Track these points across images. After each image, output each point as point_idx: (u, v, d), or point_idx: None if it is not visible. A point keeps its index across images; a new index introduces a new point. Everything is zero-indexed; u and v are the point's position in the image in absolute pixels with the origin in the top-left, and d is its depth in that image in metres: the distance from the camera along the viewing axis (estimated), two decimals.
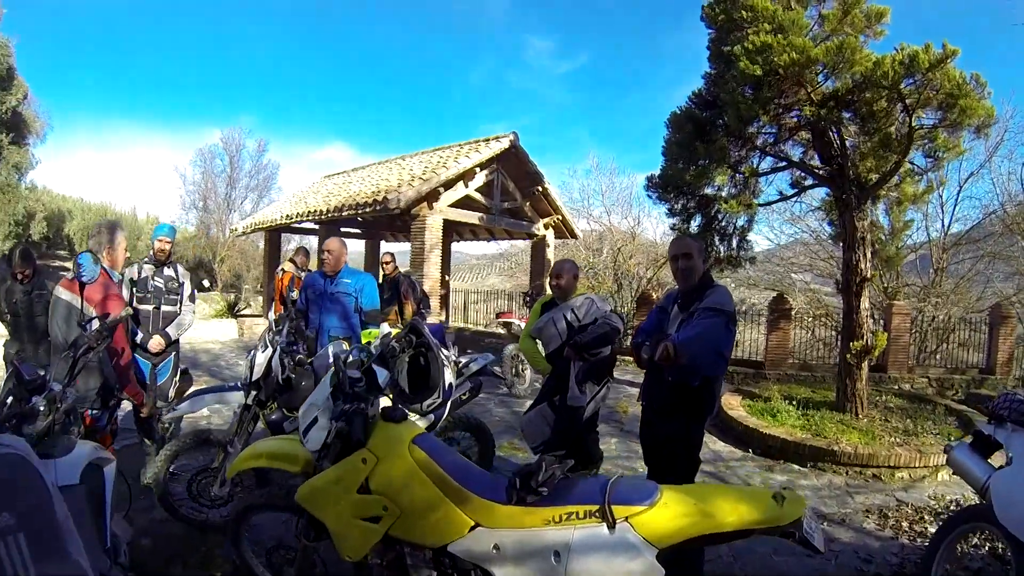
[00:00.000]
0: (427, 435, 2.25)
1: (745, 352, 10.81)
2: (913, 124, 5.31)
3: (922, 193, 7.05)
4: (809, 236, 14.03)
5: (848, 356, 6.19)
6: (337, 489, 2.14)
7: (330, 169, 16.90)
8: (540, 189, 12.39)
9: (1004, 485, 2.52)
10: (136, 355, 4.34)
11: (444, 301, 14.73)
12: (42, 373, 2.23)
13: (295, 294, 6.11)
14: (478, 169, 10.92)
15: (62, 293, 3.32)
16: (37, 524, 1.28)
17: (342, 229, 14.69)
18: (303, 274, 7.20)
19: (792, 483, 4.80)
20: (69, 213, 24.34)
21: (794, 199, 8.11)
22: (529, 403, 4.05)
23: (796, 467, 5.17)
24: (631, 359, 6.12)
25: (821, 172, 6.54)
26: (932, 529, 3.88)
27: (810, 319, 12.04)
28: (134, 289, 4.38)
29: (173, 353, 4.56)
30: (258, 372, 3.43)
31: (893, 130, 5.68)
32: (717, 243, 7.41)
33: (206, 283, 10.71)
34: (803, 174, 7.10)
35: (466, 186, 10.88)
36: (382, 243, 16.27)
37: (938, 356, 11.21)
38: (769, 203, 7.93)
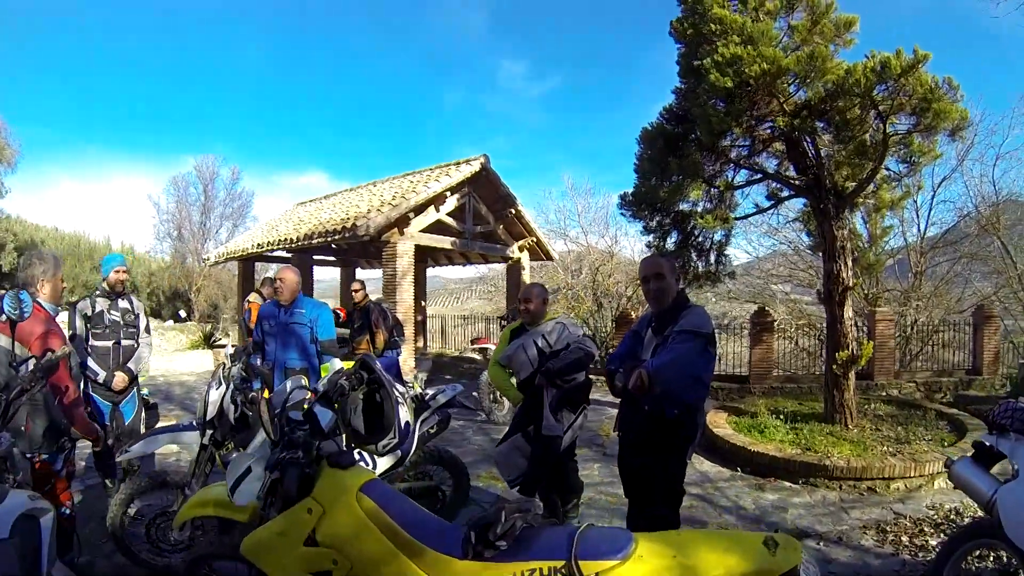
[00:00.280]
0: (376, 482, 2.04)
1: (729, 367, 10.68)
2: (887, 130, 5.26)
3: (899, 199, 7.01)
4: (787, 247, 14.12)
5: (834, 367, 6.06)
6: (283, 542, 1.95)
7: (308, 197, 16.60)
8: (513, 212, 12.29)
9: (1013, 499, 2.42)
10: (94, 395, 4.15)
11: (421, 327, 14.51)
12: None
13: None
14: (449, 193, 10.79)
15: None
16: None
17: (316, 257, 14.49)
18: None
19: (784, 501, 4.62)
20: (42, 243, 23.86)
21: (771, 211, 8.05)
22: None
23: (787, 484, 5.00)
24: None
25: (797, 183, 6.47)
26: (933, 542, 3.76)
27: (793, 329, 11.99)
28: (88, 325, 4.14)
29: (135, 388, 4.35)
30: (212, 411, 3.23)
31: (868, 137, 5.63)
32: (695, 259, 7.29)
33: (183, 313, 10.43)
34: (779, 186, 7.02)
35: (437, 211, 10.75)
36: (357, 270, 16.04)
37: (921, 359, 11.22)
38: (746, 216, 7.83)
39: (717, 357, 3.40)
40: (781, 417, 6.46)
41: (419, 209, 10.24)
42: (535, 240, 13.14)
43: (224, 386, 3.24)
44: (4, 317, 2.76)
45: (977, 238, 12.79)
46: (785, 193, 7.05)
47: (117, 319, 4.23)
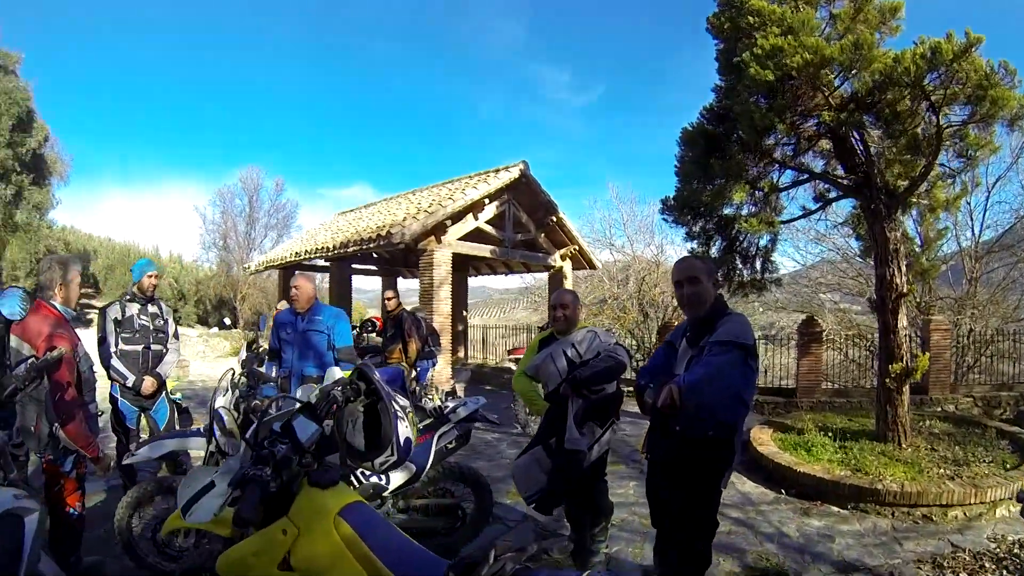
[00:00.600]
0: (358, 505, 1.84)
1: (775, 380, 10.18)
2: (941, 122, 4.88)
3: (955, 197, 6.52)
4: (836, 254, 13.56)
5: (887, 380, 5.63)
6: (256, 562, 1.78)
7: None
8: (554, 219, 12.07)
9: None
10: (121, 398, 4.15)
11: (462, 337, 14.39)
12: None
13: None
14: (487, 200, 10.65)
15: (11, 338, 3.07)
16: None
17: (357, 266, 14.56)
18: None
19: (831, 529, 4.24)
20: (94, 252, 25.00)
21: (819, 214, 7.62)
22: None
23: (835, 509, 4.61)
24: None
25: (846, 182, 6.08)
26: None
27: (842, 340, 11.40)
28: (118, 329, 4.15)
29: (164, 393, 4.33)
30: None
31: (920, 131, 5.26)
32: (740, 266, 6.94)
33: (227, 320, 10.64)
34: (827, 186, 6.64)
35: (476, 218, 10.61)
36: (399, 280, 16.06)
37: (976, 371, 10.47)
38: (793, 219, 7.45)
39: (760, 371, 3.11)
40: (829, 434, 6.03)
41: (457, 217, 10.13)
42: (577, 248, 12.89)
43: (230, 393, 3.15)
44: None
45: None
46: (833, 194, 6.65)
47: (147, 324, 4.23)
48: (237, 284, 22.68)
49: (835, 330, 11.88)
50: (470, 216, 10.49)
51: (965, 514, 4.41)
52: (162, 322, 4.34)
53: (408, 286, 16.26)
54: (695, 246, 7.12)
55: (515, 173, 10.85)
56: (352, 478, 3.05)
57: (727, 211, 6.73)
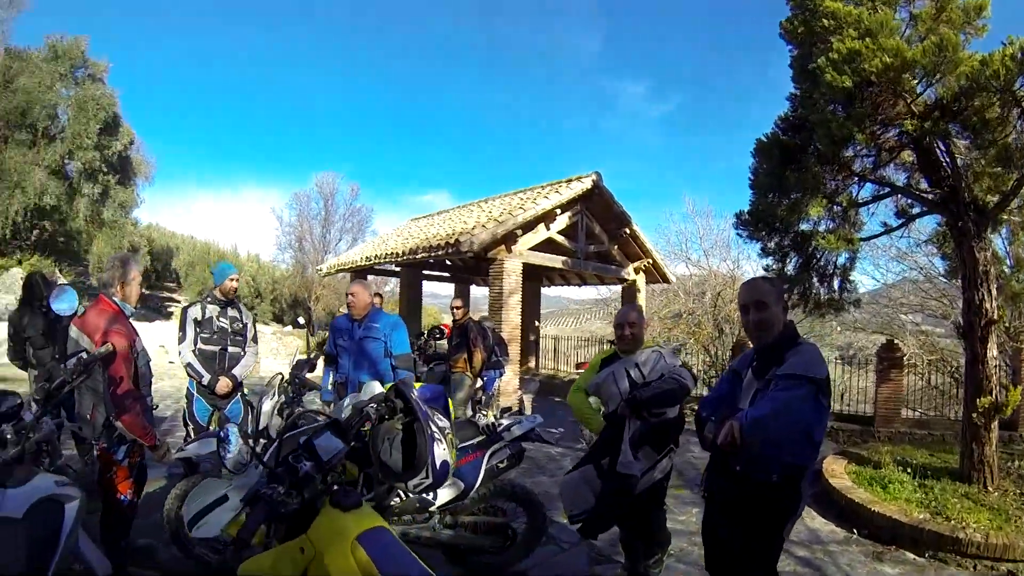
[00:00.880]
0: (378, 531, 1.78)
1: (853, 404, 9.55)
2: None
3: None
4: (918, 273, 12.65)
5: (974, 416, 5.15)
6: None
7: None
8: (628, 231, 11.86)
9: None
10: (198, 397, 4.33)
11: (534, 347, 14.35)
12: (19, 402, 2.18)
13: None
14: (559, 211, 10.55)
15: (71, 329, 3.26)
16: None
17: (430, 272, 14.78)
18: None
19: None
20: (177, 248, 26.51)
21: (901, 231, 7.14)
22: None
23: (911, 556, 4.23)
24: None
25: (930, 197, 5.65)
26: None
27: (924, 365, 10.63)
28: (198, 329, 4.33)
29: (239, 394, 4.48)
30: (264, 420, 3.19)
31: (1011, 141, 4.82)
32: (817, 284, 6.60)
33: (301, 320, 11.03)
34: (909, 201, 6.21)
35: (547, 228, 10.55)
36: (471, 288, 16.15)
37: None
38: (873, 236, 7.01)
39: (837, 396, 2.85)
40: (908, 470, 5.59)
41: (528, 227, 10.08)
42: (651, 261, 12.66)
43: (279, 397, 3.22)
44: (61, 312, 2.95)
45: None
46: (916, 210, 6.21)
47: (225, 326, 4.39)
48: (312, 285, 23.45)
49: (917, 354, 11.13)
50: (541, 226, 10.43)
51: None
52: (240, 325, 4.48)
53: (481, 294, 16.35)
54: (770, 262, 6.83)
55: (587, 184, 10.71)
56: (399, 491, 3.04)
57: (804, 227, 6.41)
